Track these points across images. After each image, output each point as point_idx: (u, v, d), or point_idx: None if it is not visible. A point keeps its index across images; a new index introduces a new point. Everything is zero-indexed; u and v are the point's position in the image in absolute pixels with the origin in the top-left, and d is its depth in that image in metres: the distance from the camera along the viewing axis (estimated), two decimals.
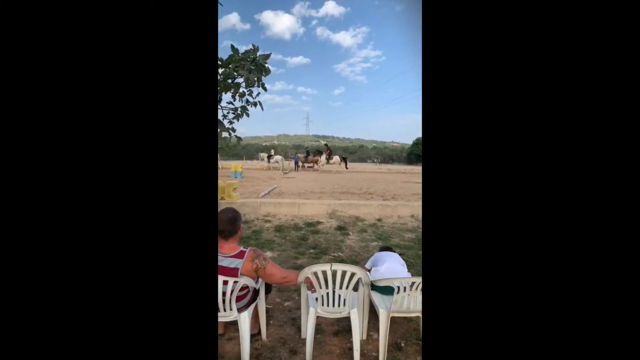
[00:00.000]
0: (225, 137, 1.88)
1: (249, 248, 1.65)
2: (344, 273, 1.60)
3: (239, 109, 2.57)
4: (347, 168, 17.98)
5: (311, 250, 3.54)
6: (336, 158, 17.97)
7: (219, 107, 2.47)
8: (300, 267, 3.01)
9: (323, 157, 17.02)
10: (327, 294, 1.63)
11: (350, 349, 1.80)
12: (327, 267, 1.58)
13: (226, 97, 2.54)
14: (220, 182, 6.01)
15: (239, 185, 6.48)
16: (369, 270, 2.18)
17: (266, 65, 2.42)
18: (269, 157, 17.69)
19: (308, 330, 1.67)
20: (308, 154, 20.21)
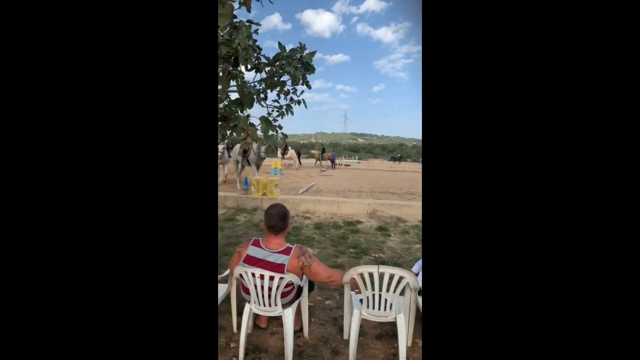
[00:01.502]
0: (272, 135, 1.90)
1: (295, 245, 1.66)
2: (391, 276, 1.54)
3: (284, 107, 2.60)
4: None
5: (351, 250, 3.49)
6: (291, 152, 17.64)
7: (264, 105, 2.52)
8: (340, 266, 2.99)
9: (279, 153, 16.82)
10: (373, 296, 1.58)
11: (395, 354, 1.74)
12: (374, 269, 1.53)
13: (271, 95, 2.58)
14: (262, 179, 6.20)
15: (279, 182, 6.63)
16: (417, 275, 2.08)
17: (311, 63, 2.42)
18: (283, 153, 17.83)
19: (352, 332, 1.63)
20: (324, 151, 20.11)
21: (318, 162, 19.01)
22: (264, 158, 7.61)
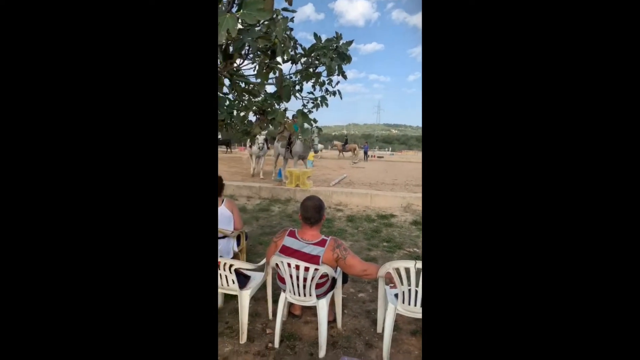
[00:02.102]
0: (308, 128, 1.90)
1: (330, 237, 1.66)
2: None
3: (319, 99, 2.58)
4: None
5: (384, 244, 3.44)
6: (352, 145, 17.23)
7: (299, 97, 2.52)
8: (373, 260, 2.96)
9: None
10: (409, 291, 1.55)
11: None
12: (411, 265, 1.49)
13: (306, 87, 2.58)
14: (295, 170, 6.28)
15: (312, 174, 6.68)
16: None
17: (347, 52, 2.37)
18: (344, 145, 17.63)
19: (386, 327, 1.62)
20: (346, 142, 19.70)
21: (341, 154, 18.76)
22: (318, 151, 7.58)
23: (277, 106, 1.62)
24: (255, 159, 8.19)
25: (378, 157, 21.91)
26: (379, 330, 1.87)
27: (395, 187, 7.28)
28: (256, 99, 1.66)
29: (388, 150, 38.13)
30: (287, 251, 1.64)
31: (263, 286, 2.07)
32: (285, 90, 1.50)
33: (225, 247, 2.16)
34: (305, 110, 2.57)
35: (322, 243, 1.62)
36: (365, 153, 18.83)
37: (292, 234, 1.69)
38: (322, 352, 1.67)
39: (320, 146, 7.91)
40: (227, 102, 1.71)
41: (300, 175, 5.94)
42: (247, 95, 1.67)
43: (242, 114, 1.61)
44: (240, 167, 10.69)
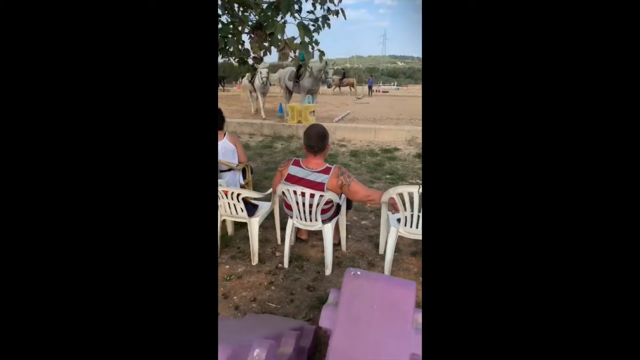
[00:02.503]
0: (309, 53, 1.75)
1: (335, 165, 1.67)
2: None
3: (320, 20, 2.34)
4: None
5: (387, 176, 3.49)
6: (350, 80, 16.23)
7: (298, 17, 2.28)
8: None
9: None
10: (412, 216, 1.61)
11: None
12: (414, 189, 1.51)
13: (306, 5, 2.31)
14: (297, 106, 6.08)
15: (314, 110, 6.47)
16: None
17: None
18: (341, 80, 16.61)
19: (388, 247, 1.72)
20: (344, 76, 18.54)
21: (337, 89, 17.74)
22: (331, 85, 6.75)
23: (276, 19, 1.46)
24: (260, 96, 7.28)
25: (383, 92, 20.98)
26: (380, 252, 2.01)
27: (400, 121, 7.10)
28: (251, 12, 1.49)
29: (394, 85, 36.25)
30: (292, 179, 1.66)
31: (271, 215, 2.16)
32: (285, 0, 1.33)
33: (232, 180, 2.19)
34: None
35: (326, 171, 1.63)
36: (370, 88, 17.97)
37: (296, 163, 1.69)
38: (328, 270, 1.82)
39: (335, 77, 7.26)
40: (220, 25, 1.55)
41: (302, 110, 5.77)
42: (240, 9, 1.49)
43: (238, 28, 1.46)
44: (239, 105, 10.36)
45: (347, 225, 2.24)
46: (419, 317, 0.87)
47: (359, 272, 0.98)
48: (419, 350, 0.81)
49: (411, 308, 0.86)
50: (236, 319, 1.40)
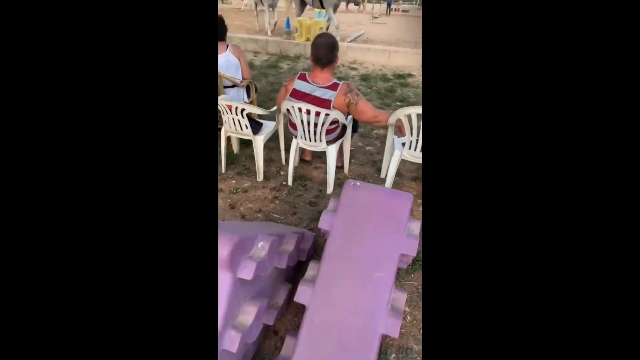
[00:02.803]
0: None
1: (343, 82, 1.58)
2: None
3: None
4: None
5: (398, 103, 3.35)
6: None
7: None
8: None
9: None
10: (417, 141, 1.59)
11: None
12: (421, 111, 1.46)
13: None
14: (306, 20, 5.52)
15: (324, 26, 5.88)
16: None
17: None
18: None
19: (390, 170, 1.75)
20: None
21: (346, 7, 15.70)
22: (359, 3, 5.83)
23: None
24: (268, 10, 6.16)
25: (403, 11, 18.69)
26: (382, 175, 2.05)
27: (418, 44, 6.50)
28: None
29: (415, 4, 32.12)
30: (297, 94, 1.60)
31: (275, 137, 2.15)
32: None
33: (236, 97, 2.12)
34: None
35: (334, 87, 1.56)
36: (389, 5, 15.97)
37: (302, 77, 1.60)
38: (329, 189, 1.89)
39: None
40: None
41: (312, 25, 5.25)
42: None
43: None
44: (243, 20, 9.43)
45: (351, 151, 2.24)
46: (412, 225, 0.93)
47: (358, 184, 1.01)
48: (408, 252, 0.89)
49: (405, 217, 0.91)
50: (243, 222, 1.52)
